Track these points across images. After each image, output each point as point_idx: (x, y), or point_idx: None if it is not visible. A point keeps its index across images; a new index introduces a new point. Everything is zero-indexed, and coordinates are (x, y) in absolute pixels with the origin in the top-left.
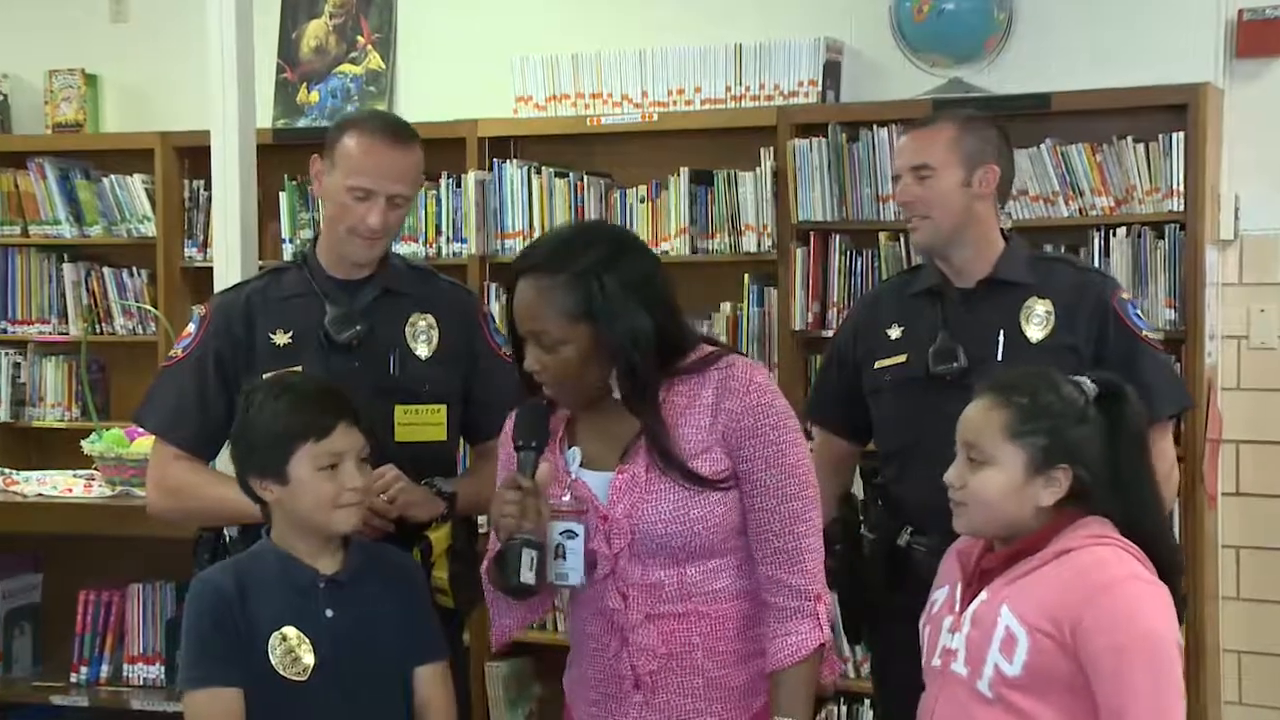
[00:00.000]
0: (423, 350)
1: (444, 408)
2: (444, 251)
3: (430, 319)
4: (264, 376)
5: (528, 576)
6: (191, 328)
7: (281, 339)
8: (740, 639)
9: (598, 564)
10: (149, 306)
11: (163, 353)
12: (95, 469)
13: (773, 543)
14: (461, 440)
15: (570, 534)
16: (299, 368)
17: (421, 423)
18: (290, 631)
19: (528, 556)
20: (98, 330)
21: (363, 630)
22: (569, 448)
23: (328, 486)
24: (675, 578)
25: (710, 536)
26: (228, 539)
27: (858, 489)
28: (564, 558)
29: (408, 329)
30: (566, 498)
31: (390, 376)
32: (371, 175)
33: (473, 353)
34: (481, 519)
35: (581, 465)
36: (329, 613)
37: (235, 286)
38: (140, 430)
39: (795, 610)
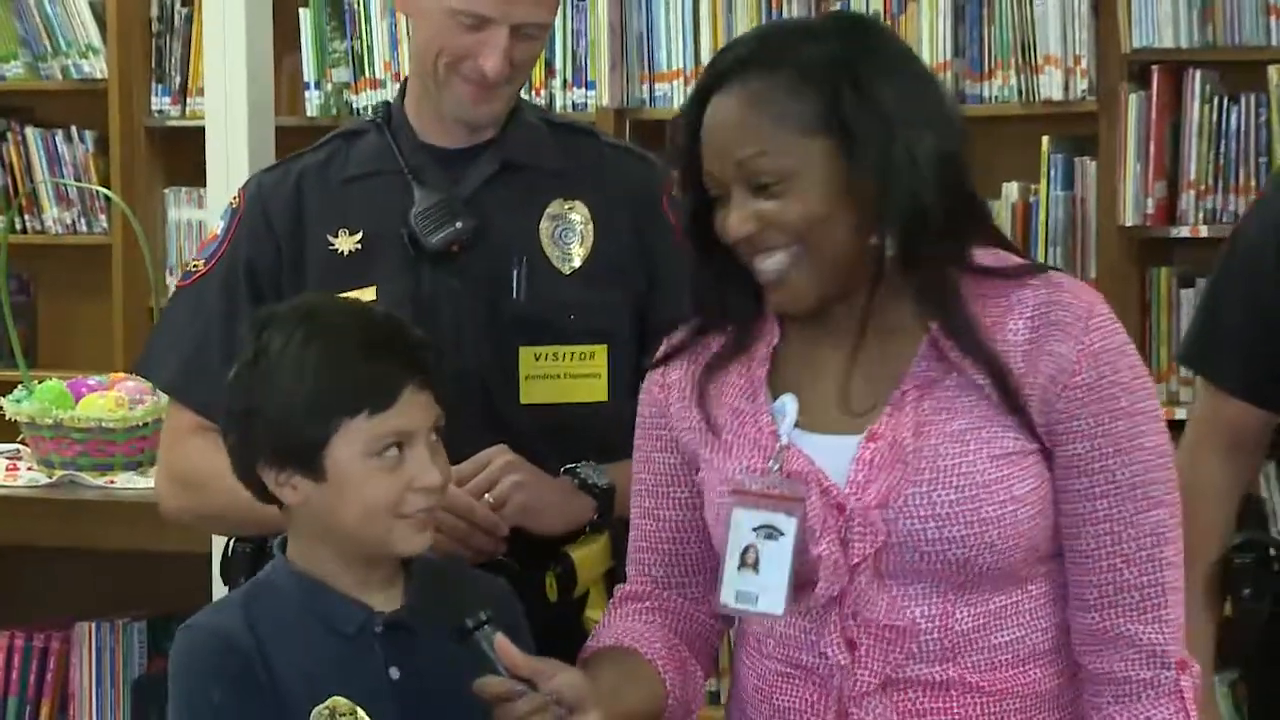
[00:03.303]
0: (569, 259)
1: (603, 350)
2: (559, 102)
3: (582, 208)
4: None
5: None
6: (219, 226)
7: (346, 243)
8: None
9: (820, 582)
10: (99, 188)
11: (121, 262)
12: (22, 443)
13: (1122, 573)
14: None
15: (772, 532)
16: (372, 288)
17: (565, 374)
18: (341, 703)
19: None
20: (20, 226)
21: (447, 696)
22: (775, 398)
23: (386, 485)
24: (938, 619)
25: (1012, 553)
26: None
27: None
28: (754, 569)
29: (544, 225)
30: (773, 474)
31: (514, 302)
32: None
33: (651, 259)
34: None
35: (799, 425)
36: (394, 672)
37: (284, 162)
38: (92, 383)
39: (1149, 685)
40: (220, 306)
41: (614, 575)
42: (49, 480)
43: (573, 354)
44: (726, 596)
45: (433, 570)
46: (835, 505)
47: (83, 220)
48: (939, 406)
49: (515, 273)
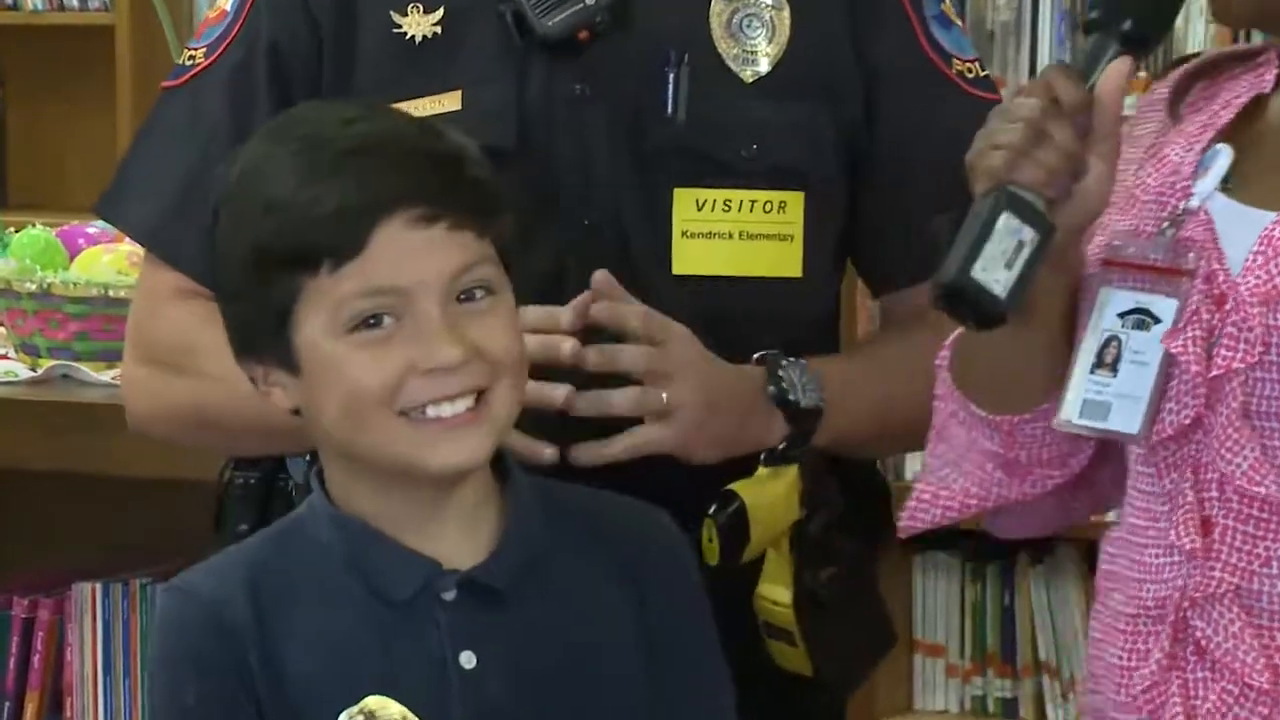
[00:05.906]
0: (752, 59)
1: (798, 199)
2: None
3: None
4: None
5: (994, 276)
6: (228, 1)
7: (419, 24)
8: None
9: (1169, 403)
10: None
11: (129, 53)
12: None
13: None
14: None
15: (1144, 319)
16: (456, 93)
17: (741, 233)
18: (382, 707)
19: (1007, 229)
20: None
21: (553, 694)
22: (1211, 148)
23: (369, 369)
24: None
25: None
26: (292, 487)
27: None
28: (1111, 369)
29: (717, 8)
30: (1162, 239)
31: (669, 121)
32: None
33: (872, 67)
34: (907, 465)
35: (1228, 190)
36: (466, 659)
37: None
38: (92, 231)
39: None
40: (227, 115)
41: (808, 532)
42: (33, 374)
43: (754, 203)
44: (1069, 409)
45: (541, 492)
46: (1215, 295)
47: None
48: None
49: (672, 77)
